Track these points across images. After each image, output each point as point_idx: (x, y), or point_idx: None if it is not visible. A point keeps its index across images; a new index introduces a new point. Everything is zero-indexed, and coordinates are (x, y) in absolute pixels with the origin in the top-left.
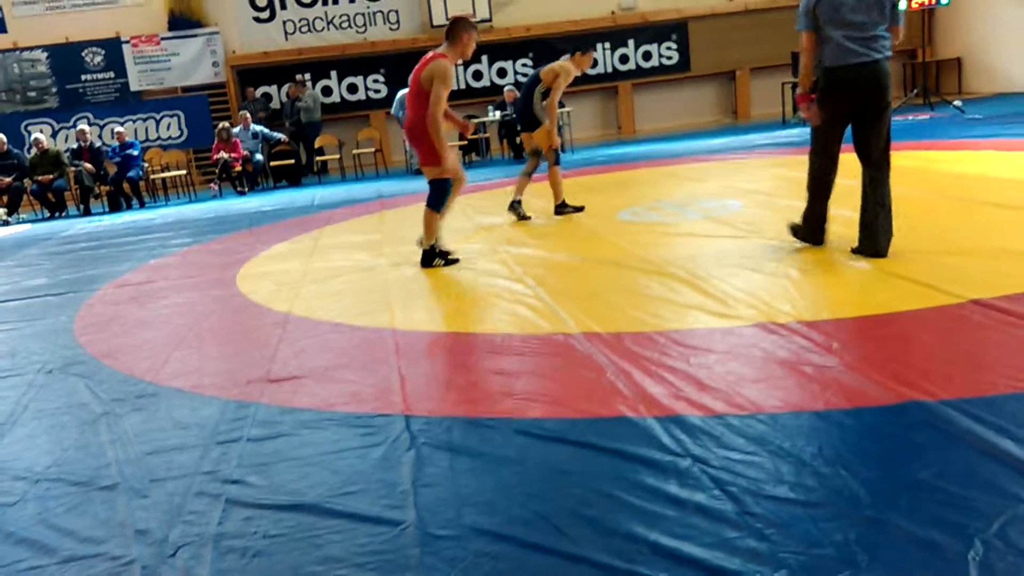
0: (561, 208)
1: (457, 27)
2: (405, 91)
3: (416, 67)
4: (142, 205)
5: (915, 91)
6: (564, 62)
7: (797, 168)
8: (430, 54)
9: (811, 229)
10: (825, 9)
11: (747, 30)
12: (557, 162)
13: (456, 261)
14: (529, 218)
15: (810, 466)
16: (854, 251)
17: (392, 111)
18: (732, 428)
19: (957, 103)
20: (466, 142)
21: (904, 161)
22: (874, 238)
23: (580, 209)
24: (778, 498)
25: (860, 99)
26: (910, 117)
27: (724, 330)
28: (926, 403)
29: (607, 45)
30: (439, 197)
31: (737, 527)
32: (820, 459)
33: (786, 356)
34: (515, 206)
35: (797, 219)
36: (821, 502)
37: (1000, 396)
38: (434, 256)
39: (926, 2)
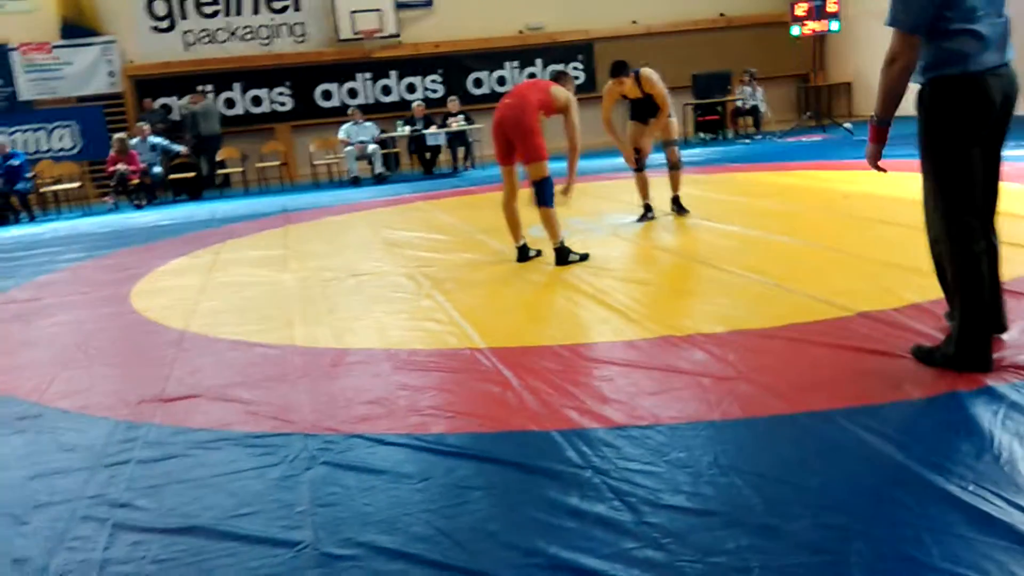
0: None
1: (565, 78)
2: (351, 125)
3: (534, 83)
4: (32, 219)
5: (808, 114)
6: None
7: (696, 186)
8: (547, 81)
9: (972, 348)
10: None
11: (650, 52)
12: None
13: (587, 257)
14: (687, 211)
15: (706, 475)
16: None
17: (341, 135)
18: (632, 439)
19: (847, 125)
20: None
21: (796, 180)
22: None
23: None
24: (675, 507)
25: (992, 123)
26: (803, 139)
27: (627, 343)
28: (816, 412)
29: (515, 64)
30: (548, 193)
31: (635, 537)
32: (716, 468)
33: (686, 368)
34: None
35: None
36: (716, 510)
37: (885, 404)
38: (567, 252)
39: (818, 28)
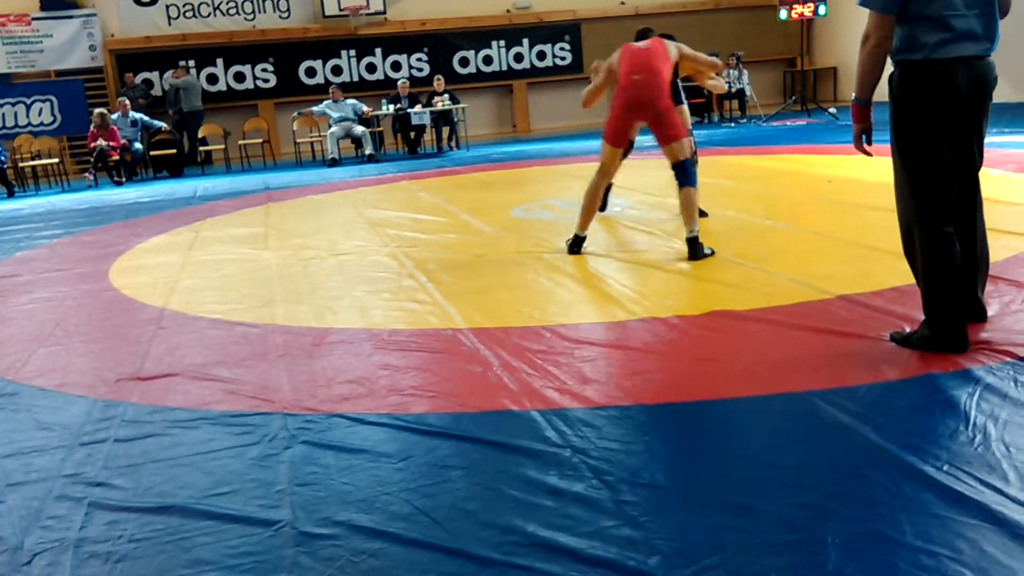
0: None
1: (653, 32)
2: (328, 103)
3: (652, 52)
4: (10, 195)
5: (793, 98)
6: None
7: None
8: (656, 40)
9: (946, 329)
10: None
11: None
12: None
13: (713, 253)
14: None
15: (683, 454)
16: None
17: (316, 112)
18: (611, 419)
19: (832, 110)
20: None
21: (780, 164)
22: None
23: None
24: (652, 486)
25: (958, 112)
26: (788, 123)
27: (608, 324)
28: (795, 393)
29: (502, 43)
30: (691, 170)
31: (613, 515)
32: (693, 447)
33: (665, 349)
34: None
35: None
36: (693, 489)
37: (862, 386)
38: (701, 245)
39: (805, 13)
